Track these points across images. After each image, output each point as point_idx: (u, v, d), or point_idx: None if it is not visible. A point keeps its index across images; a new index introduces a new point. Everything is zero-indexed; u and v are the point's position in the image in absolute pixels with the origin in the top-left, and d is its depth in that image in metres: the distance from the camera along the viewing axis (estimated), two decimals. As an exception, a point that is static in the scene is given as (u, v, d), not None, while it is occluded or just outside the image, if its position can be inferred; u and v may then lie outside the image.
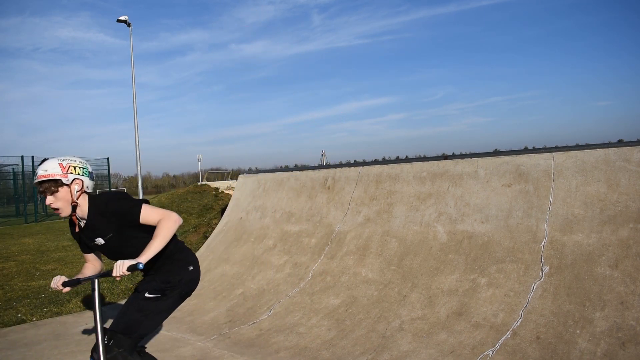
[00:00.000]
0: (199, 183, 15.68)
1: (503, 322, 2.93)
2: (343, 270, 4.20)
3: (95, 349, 2.23)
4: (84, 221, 2.34)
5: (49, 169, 2.21)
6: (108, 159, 23.67)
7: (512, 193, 3.73)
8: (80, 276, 2.36)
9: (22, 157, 20.89)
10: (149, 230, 2.29)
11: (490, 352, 2.74)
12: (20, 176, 21.78)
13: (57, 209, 2.25)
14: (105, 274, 2.21)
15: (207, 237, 6.54)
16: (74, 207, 2.27)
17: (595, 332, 2.61)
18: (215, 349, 3.46)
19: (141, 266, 2.11)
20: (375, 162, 5.97)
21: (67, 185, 2.23)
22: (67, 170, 2.24)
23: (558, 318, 2.79)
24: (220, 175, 43.64)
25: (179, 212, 12.91)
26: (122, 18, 21.98)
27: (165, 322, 4.20)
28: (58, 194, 2.22)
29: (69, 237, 12.37)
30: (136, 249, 2.28)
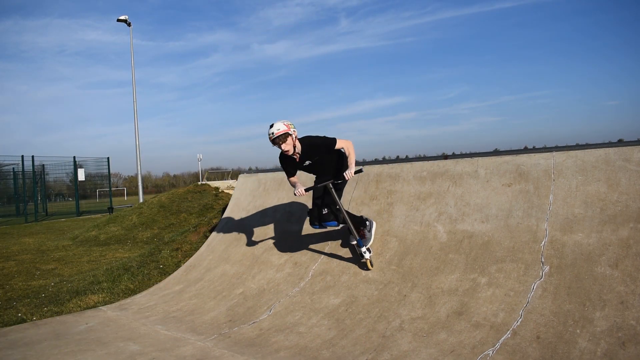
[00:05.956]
0: (199, 182, 15.69)
1: (503, 321, 2.93)
2: (343, 270, 4.20)
3: (321, 218, 4.14)
4: (298, 154, 4.03)
5: (280, 128, 3.84)
6: (108, 158, 23.71)
7: (512, 193, 3.73)
8: (301, 185, 4.11)
9: (22, 156, 20.91)
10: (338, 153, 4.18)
11: (491, 352, 2.74)
12: (20, 176, 21.78)
13: (287, 150, 3.91)
14: (338, 178, 4.03)
15: (207, 237, 6.54)
16: (294, 147, 3.95)
17: (595, 332, 2.61)
18: (215, 348, 3.46)
19: (362, 170, 4.25)
20: (376, 162, 5.97)
21: (290, 135, 3.88)
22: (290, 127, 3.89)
23: (558, 318, 2.79)
24: (221, 174, 43.61)
25: (179, 212, 12.90)
26: (122, 18, 21.93)
27: (165, 322, 4.20)
28: (287, 140, 3.88)
29: (69, 236, 12.38)
30: (329, 166, 4.19)
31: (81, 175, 22.91)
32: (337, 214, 4.09)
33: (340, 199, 4.12)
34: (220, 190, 14.10)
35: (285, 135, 3.85)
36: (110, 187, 25.69)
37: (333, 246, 4.59)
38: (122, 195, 57.15)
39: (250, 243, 5.48)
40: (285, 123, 3.87)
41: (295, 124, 3.93)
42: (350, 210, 4.79)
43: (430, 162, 4.52)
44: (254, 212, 6.02)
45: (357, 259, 4.23)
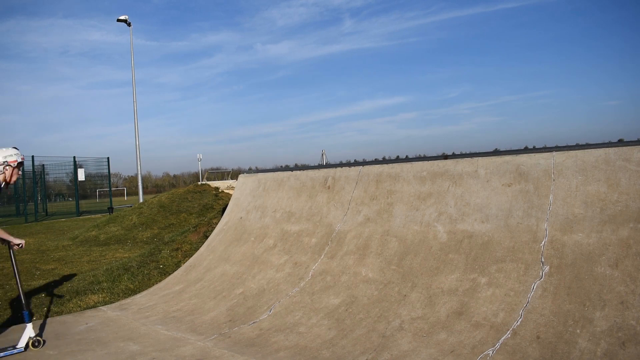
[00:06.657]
0: (199, 182, 15.72)
1: (503, 321, 2.93)
2: (343, 270, 4.20)
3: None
4: None
5: None
6: (108, 158, 23.72)
7: (512, 192, 3.73)
8: None
9: (22, 156, 20.88)
10: None
11: (491, 352, 2.74)
12: (20, 176, 21.79)
13: None
14: None
15: (207, 237, 6.54)
16: None
17: (595, 332, 2.61)
18: (215, 348, 3.46)
19: None
20: (376, 162, 5.96)
21: None
22: None
23: (558, 318, 2.79)
24: (220, 174, 43.58)
25: (179, 212, 12.86)
26: (121, 18, 21.92)
27: (165, 322, 4.20)
28: None
29: (69, 236, 12.37)
30: None
31: (81, 175, 22.93)
32: None
33: None
34: (220, 190, 14.11)
35: None
36: (110, 187, 25.71)
37: (333, 246, 4.59)
38: (122, 195, 57.20)
39: (250, 243, 5.48)
40: None
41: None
42: (348, 211, 4.78)
43: (430, 162, 4.52)
44: (253, 212, 6.02)
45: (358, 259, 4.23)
